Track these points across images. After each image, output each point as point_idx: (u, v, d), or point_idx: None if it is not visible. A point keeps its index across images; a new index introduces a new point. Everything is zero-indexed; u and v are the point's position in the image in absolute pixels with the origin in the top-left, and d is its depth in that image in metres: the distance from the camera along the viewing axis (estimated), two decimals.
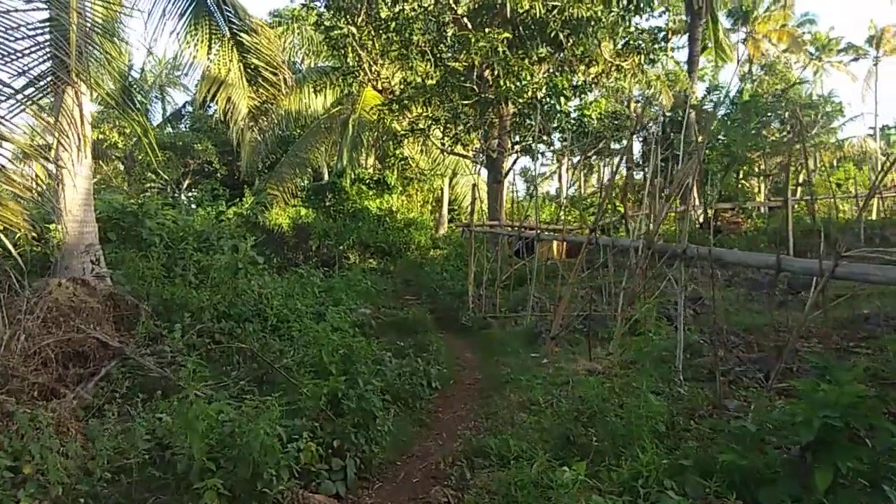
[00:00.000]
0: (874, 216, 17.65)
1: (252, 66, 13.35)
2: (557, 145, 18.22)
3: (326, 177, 28.74)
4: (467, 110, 13.82)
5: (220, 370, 6.99)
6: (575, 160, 35.72)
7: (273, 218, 25.30)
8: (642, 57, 17.18)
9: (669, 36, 19.77)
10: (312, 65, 25.91)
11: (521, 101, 13.75)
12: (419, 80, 15.23)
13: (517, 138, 16.65)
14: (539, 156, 19.62)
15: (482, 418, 5.51)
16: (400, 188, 26.88)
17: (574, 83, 14.81)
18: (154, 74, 38.98)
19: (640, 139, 36.55)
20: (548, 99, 14.00)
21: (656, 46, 16.80)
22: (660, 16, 19.04)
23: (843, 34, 56.91)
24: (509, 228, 12.05)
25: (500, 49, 12.36)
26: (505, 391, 6.07)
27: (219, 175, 34.46)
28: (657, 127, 33.06)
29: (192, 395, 4.28)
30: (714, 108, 25.94)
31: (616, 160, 29.86)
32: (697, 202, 20.16)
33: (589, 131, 16.62)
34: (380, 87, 15.77)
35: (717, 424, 4.38)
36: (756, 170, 17.67)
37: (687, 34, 20.82)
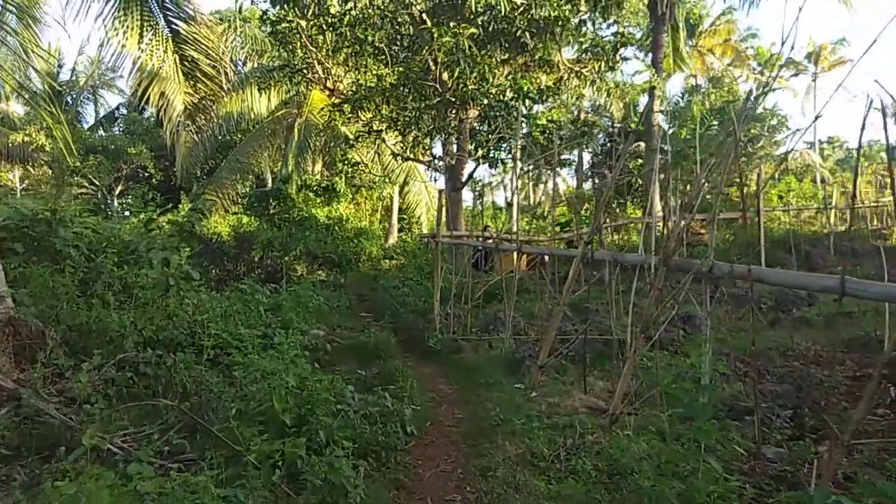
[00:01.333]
0: (841, 228, 17.43)
1: (189, 59, 12.01)
2: (514, 153, 17.42)
3: (270, 183, 27.21)
4: (427, 113, 12.78)
5: (144, 410, 5.72)
6: (524, 169, 35.28)
7: (212, 226, 23.68)
8: (602, 63, 16.57)
9: (631, 42, 19.31)
10: (256, 65, 24.42)
11: (485, 102, 12.80)
12: (373, 81, 14.14)
13: (475, 145, 15.74)
14: (499, 163, 18.79)
15: (475, 477, 4.45)
16: (349, 195, 25.64)
17: (540, 87, 13.98)
18: (86, 75, 36.55)
19: (590, 150, 36.32)
20: (513, 102, 13.10)
21: (617, 55, 16.27)
22: (622, 25, 18.42)
23: (784, 50, 58.42)
24: (477, 239, 11.05)
25: (465, 45, 11.39)
26: (496, 437, 5.03)
27: (154, 180, 32.50)
28: (603, 138, 32.87)
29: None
30: (668, 120, 25.71)
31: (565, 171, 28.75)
32: (660, 212, 19.70)
33: (546, 139, 15.86)
34: (331, 85, 14.56)
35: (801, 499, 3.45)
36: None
37: (650, 40, 20.37)
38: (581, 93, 20.48)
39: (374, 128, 13.89)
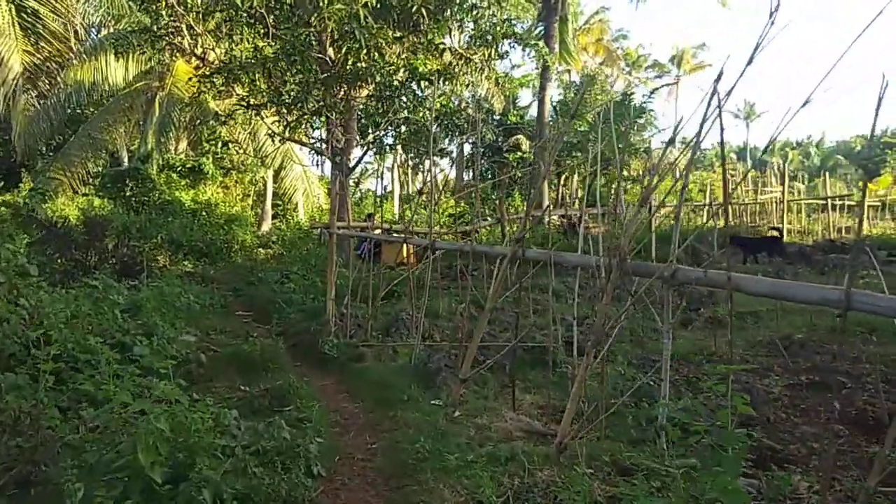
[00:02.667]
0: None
1: (30, 11, 10.05)
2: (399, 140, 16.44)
3: (127, 162, 24.51)
4: (316, 88, 11.52)
5: None
6: (402, 158, 34.42)
7: (58, 209, 20.85)
8: (492, 50, 16.01)
9: (515, 33, 18.96)
10: (112, 31, 21.66)
11: (378, 80, 11.73)
12: (249, 52, 12.64)
13: (365, 128, 14.65)
14: (387, 149, 17.83)
15: None
16: (217, 178, 23.57)
17: (436, 69, 13.09)
18: None
19: (471, 141, 36.08)
20: (407, 83, 12.16)
21: (504, 43, 15.78)
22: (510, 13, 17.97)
23: (650, 52, 61.76)
24: (379, 231, 10.00)
25: (361, 15, 10.26)
26: (424, 475, 4.12)
27: None
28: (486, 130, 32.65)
29: None
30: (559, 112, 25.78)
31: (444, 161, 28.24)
32: (550, 205, 19.57)
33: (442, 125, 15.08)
34: (200, 53, 12.88)
35: None
36: (626, 174, 17.22)
37: (537, 31, 20.10)
38: (471, 80, 19.99)
39: (252, 102, 12.40)
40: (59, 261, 12.70)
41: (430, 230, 6.36)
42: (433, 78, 12.48)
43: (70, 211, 20.31)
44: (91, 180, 23.81)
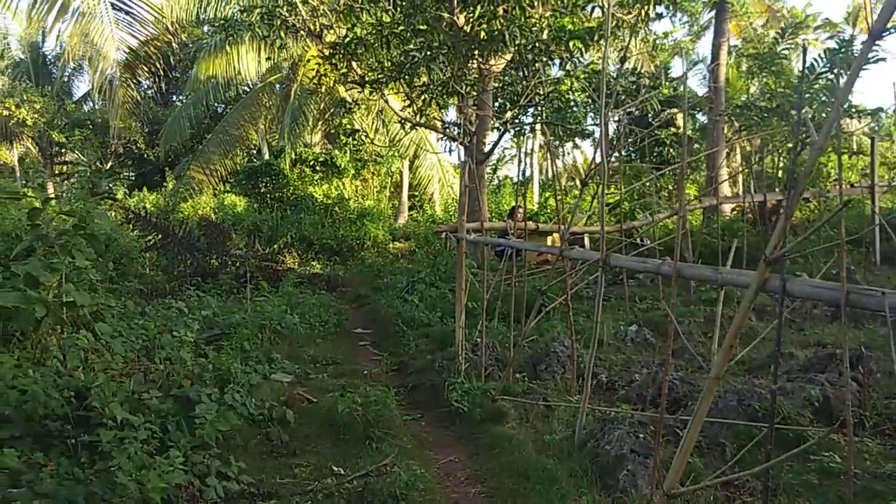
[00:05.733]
0: None
1: None
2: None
3: (267, 157, 24.17)
4: (443, 56, 9.55)
5: None
6: (543, 140, 31.77)
7: (201, 207, 20.73)
8: (650, 7, 13.26)
9: None
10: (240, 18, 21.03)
11: (519, 43, 9.56)
12: (369, 27, 10.94)
13: (503, 105, 12.57)
14: (527, 130, 15.70)
15: None
16: (352, 171, 22.51)
17: (589, 26, 10.68)
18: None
19: (615, 119, 32.72)
20: (555, 46, 9.88)
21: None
22: None
23: (820, 10, 54.65)
24: (518, 235, 7.85)
25: None
26: None
27: (146, 156, 29.63)
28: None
29: None
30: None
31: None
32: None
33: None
34: (316, 30, 11.42)
35: None
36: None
37: None
38: (625, 43, 17.42)
39: (370, 78, 10.67)
40: (178, 268, 11.85)
41: (603, 239, 4.16)
42: (585, 37, 10.11)
43: (208, 210, 20.08)
44: (229, 178, 23.71)
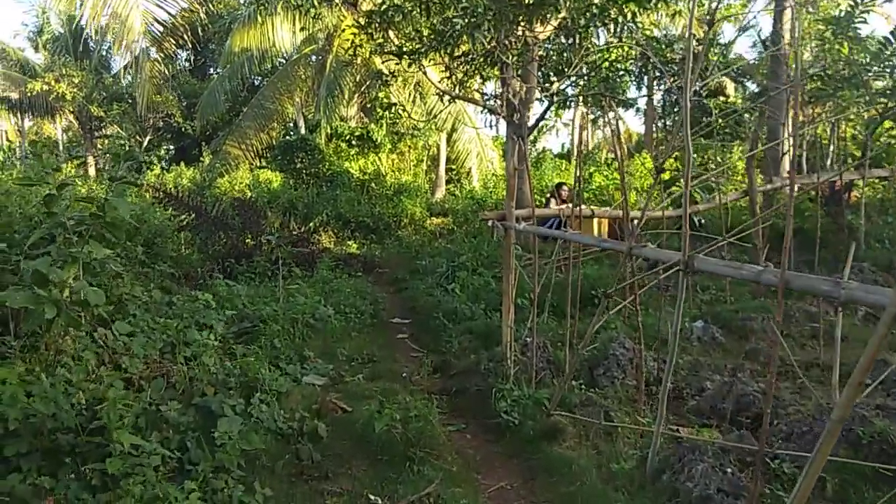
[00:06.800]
0: None
1: None
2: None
3: (304, 131, 23.68)
4: (486, 23, 8.79)
5: None
6: (584, 111, 30.54)
7: (237, 183, 20.38)
8: None
9: None
10: None
11: (568, 6, 8.75)
12: None
13: (548, 75, 11.76)
14: (572, 102, 14.86)
15: None
16: (389, 145, 21.87)
17: None
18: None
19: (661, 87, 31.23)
20: (611, 7, 9.03)
21: None
22: None
23: None
24: (566, 220, 7.11)
25: None
26: None
27: (184, 130, 29.43)
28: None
29: None
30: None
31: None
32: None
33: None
34: (364, 6, 10.77)
35: None
36: None
37: None
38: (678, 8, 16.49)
39: (408, 48, 9.98)
40: (212, 249, 11.47)
41: (685, 238, 3.50)
42: (646, 2, 9.24)
43: (243, 187, 19.72)
44: (265, 153, 23.31)
